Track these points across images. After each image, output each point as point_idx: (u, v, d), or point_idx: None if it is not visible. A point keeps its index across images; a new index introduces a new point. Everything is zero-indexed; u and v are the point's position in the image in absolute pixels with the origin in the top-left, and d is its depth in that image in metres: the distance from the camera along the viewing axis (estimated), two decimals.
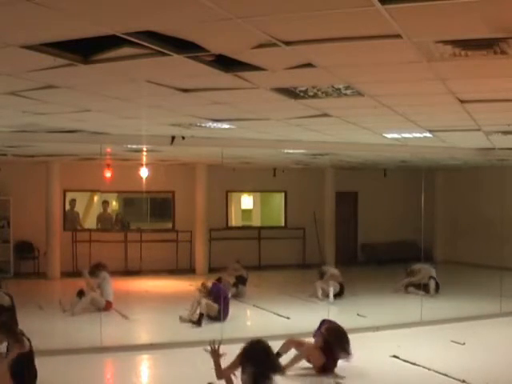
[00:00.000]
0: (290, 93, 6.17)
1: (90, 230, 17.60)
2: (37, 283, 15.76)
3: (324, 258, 15.11)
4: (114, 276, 13.60)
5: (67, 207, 17.73)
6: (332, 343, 8.13)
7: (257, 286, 14.97)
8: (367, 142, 11.41)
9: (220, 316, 10.52)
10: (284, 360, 7.99)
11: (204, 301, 10.66)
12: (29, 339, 6.98)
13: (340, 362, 8.19)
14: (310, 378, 7.97)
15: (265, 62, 4.82)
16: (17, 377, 6.74)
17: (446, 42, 4.17)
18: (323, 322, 8.67)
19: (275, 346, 8.25)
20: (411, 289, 13.90)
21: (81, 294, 11.59)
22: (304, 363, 8.15)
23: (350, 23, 3.77)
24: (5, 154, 13.39)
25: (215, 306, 10.61)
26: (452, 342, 9.61)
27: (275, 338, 9.01)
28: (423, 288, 13.60)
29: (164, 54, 4.43)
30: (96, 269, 11.88)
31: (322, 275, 13.56)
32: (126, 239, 17.63)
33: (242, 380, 5.97)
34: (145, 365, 9.12)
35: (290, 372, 7.89)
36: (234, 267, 13.84)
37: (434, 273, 13.98)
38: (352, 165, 17.55)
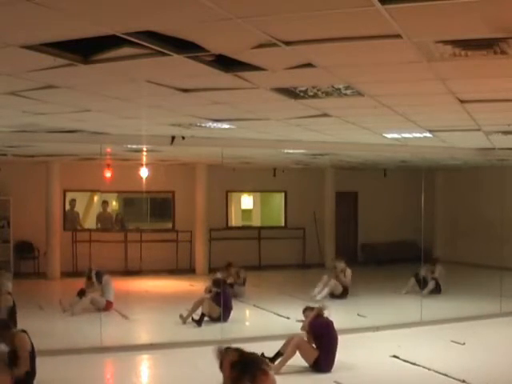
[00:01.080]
0: (290, 93, 6.17)
1: (90, 230, 17.60)
2: (37, 283, 15.76)
3: (340, 256, 14.87)
4: (113, 276, 13.60)
5: (67, 207, 17.73)
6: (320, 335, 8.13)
7: (257, 286, 14.96)
8: (367, 142, 11.41)
9: (221, 317, 10.53)
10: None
11: (207, 301, 10.67)
12: (29, 338, 7.00)
13: (339, 362, 8.20)
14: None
15: (265, 62, 4.82)
16: None
17: (446, 42, 4.17)
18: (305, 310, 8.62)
19: (275, 346, 8.30)
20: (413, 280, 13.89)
21: (81, 293, 11.59)
22: (301, 362, 8.14)
23: (350, 23, 3.77)
24: (5, 154, 13.39)
25: (217, 308, 10.60)
26: (452, 342, 9.61)
27: (275, 338, 9.06)
28: (422, 286, 13.59)
29: (164, 54, 4.43)
30: (98, 275, 11.90)
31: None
32: (126, 239, 17.63)
33: None
34: (145, 365, 9.13)
35: (283, 371, 7.88)
36: (229, 272, 13.62)
37: (437, 273, 13.91)
38: (352, 165, 17.55)
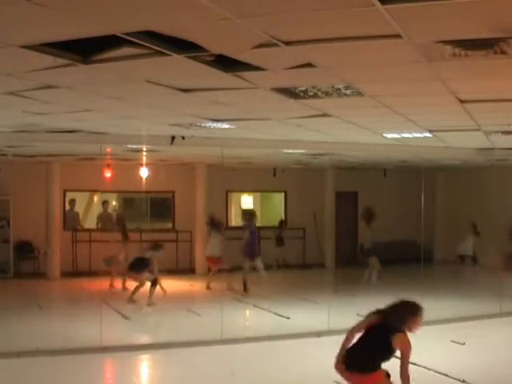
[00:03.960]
0: (290, 93, 6.17)
1: (90, 230, 17.59)
2: (37, 283, 15.75)
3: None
4: (113, 276, 13.60)
5: (67, 207, 17.73)
6: None
7: (257, 285, 14.94)
8: (367, 142, 11.41)
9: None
10: None
11: None
12: None
13: None
14: None
15: (265, 62, 4.82)
16: None
17: (446, 42, 4.17)
18: None
19: (274, 345, 8.29)
20: None
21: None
22: None
23: (350, 23, 3.77)
24: (5, 154, 13.39)
25: None
26: (452, 342, 9.60)
27: (275, 338, 9.06)
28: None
29: (164, 54, 4.43)
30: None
31: None
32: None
33: None
34: (145, 365, 9.12)
35: None
36: None
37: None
38: (352, 165, 17.54)
